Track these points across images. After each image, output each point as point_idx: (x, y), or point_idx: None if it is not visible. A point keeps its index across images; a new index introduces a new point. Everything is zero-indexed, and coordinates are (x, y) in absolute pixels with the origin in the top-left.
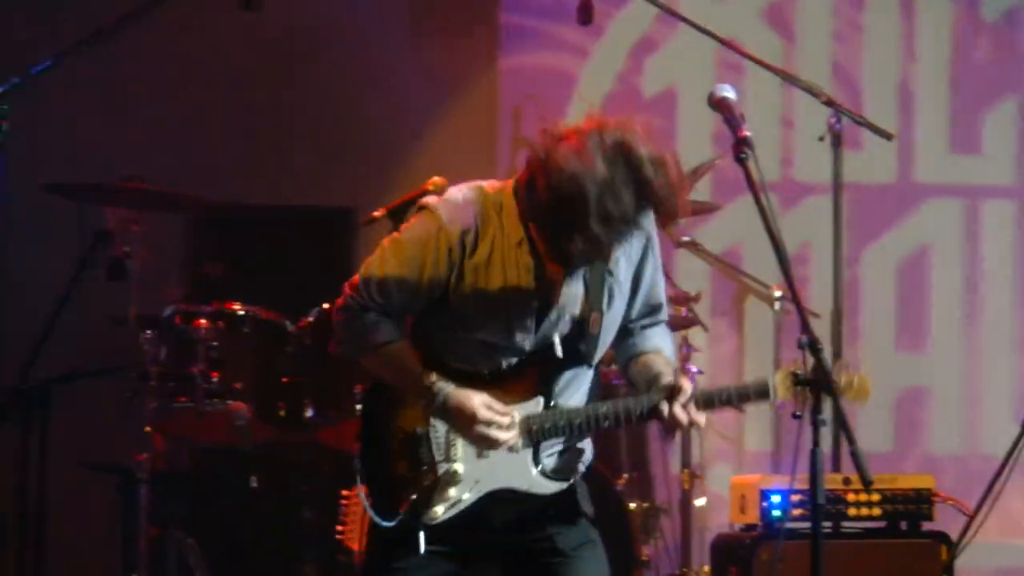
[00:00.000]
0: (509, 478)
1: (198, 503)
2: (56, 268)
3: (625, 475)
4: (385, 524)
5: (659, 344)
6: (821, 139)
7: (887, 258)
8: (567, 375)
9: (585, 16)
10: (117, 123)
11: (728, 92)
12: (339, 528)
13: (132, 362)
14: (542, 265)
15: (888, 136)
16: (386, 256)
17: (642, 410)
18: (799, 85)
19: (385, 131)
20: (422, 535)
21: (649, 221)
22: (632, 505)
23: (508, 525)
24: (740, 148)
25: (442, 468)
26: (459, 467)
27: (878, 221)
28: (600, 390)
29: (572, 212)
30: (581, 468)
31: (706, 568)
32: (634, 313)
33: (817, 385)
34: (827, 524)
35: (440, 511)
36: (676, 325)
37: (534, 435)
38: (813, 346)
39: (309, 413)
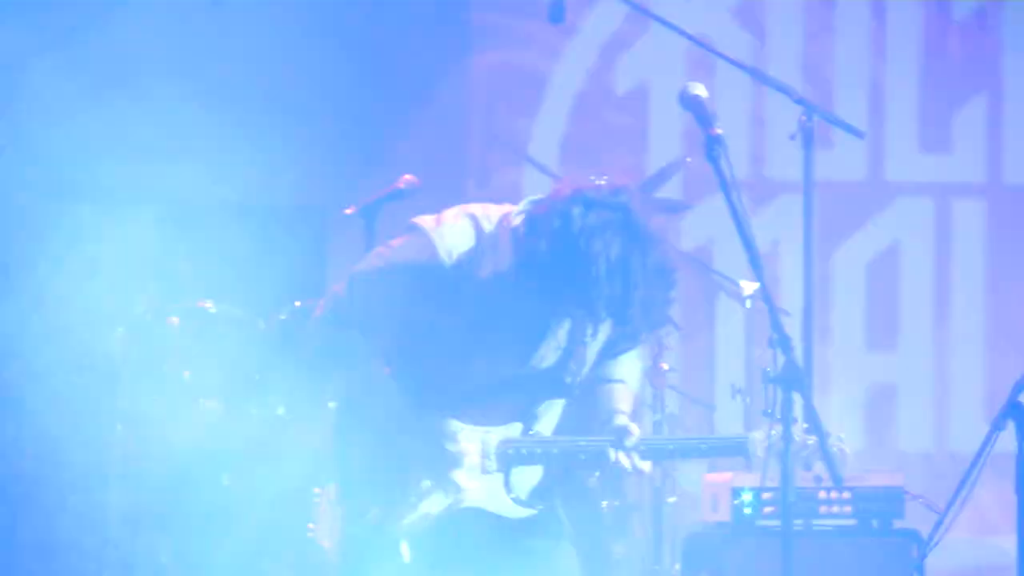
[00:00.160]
0: (480, 499)
1: (170, 501)
2: (31, 265)
3: (596, 472)
4: (354, 524)
5: (626, 374)
6: (792, 137)
7: (858, 256)
8: (547, 404)
9: (557, 14)
10: (94, 120)
11: (700, 90)
12: (311, 526)
13: (104, 359)
14: (533, 296)
15: (859, 134)
16: (373, 267)
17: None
18: (770, 83)
19: (357, 128)
20: (405, 545)
21: None
22: (603, 503)
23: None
24: (711, 146)
25: (415, 478)
26: (430, 480)
27: (849, 219)
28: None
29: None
30: (553, 500)
31: (677, 566)
32: (611, 341)
33: (788, 383)
34: (798, 522)
35: (408, 520)
36: None
37: (508, 461)
38: (784, 344)
39: (281, 411)
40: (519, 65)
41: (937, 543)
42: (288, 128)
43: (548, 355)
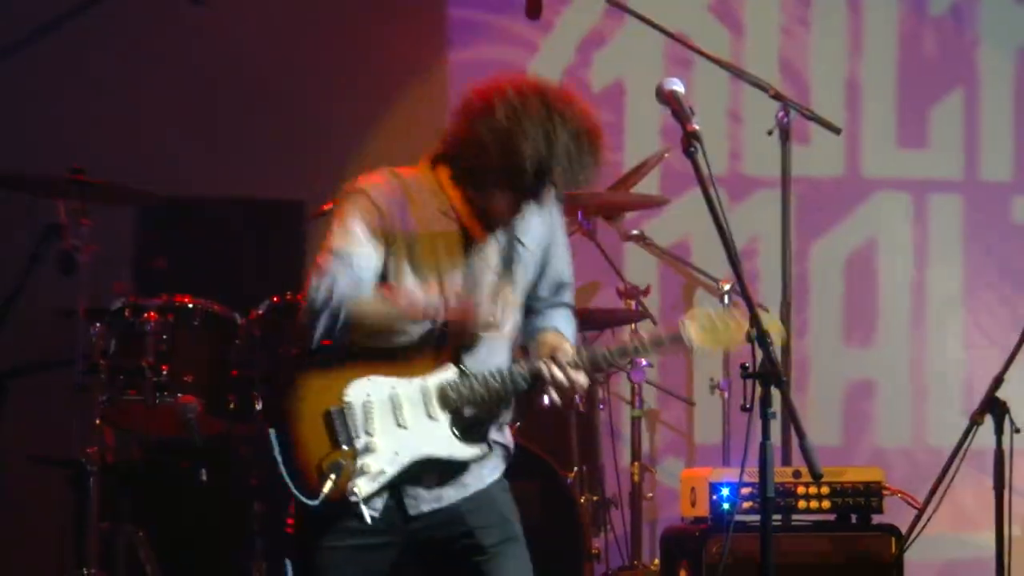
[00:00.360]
0: (428, 446)
1: (148, 496)
2: (4, 261)
3: (575, 468)
4: (312, 503)
5: (559, 325)
6: (769, 133)
7: (835, 252)
8: (477, 342)
9: (533, 10)
10: (67, 116)
11: (676, 86)
12: (289, 521)
13: (81, 355)
14: (465, 235)
15: (836, 130)
16: (330, 238)
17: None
18: (747, 79)
19: (334, 124)
20: (364, 508)
21: (555, 201)
22: (582, 498)
23: (433, 518)
24: (689, 142)
25: (361, 443)
26: (377, 440)
27: (826, 215)
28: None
29: (501, 165)
30: (499, 436)
31: (656, 561)
32: (541, 290)
33: (766, 379)
34: (777, 517)
35: (363, 485)
36: (626, 319)
37: (451, 402)
38: (762, 339)
39: (259, 406)
40: (496, 61)
41: (916, 538)
42: (265, 123)
43: (479, 292)
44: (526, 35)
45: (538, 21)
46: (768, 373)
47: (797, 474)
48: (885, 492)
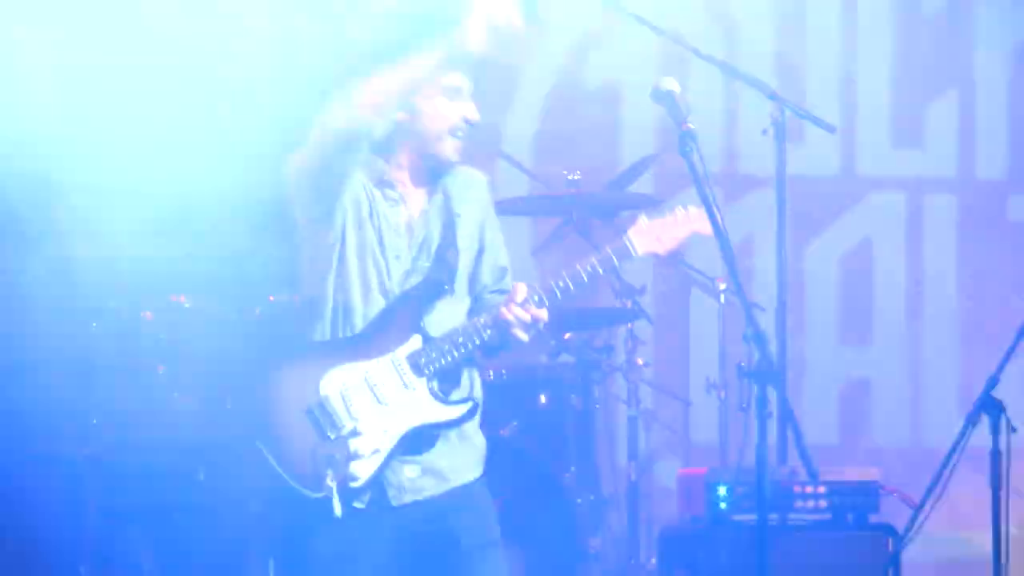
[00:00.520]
0: (414, 415)
1: (146, 496)
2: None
3: (572, 467)
4: (317, 495)
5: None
6: (765, 132)
7: (830, 251)
8: (436, 308)
9: (530, 10)
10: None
11: (672, 85)
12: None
13: (81, 353)
14: (405, 203)
15: (831, 129)
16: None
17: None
18: (742, 78)
19: None
20: (349, 498)
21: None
22: (579, 498)
23: (416, 512)
24: (684, 141)
25: (348, 428)
26: (363, 422)
27: (822, 214)
28: None
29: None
30: (480, 390)
31: (653, 560)
32: (484, 275)
33: (762, 378)
34: (773, 516)
35: (361, 468)
36: (621, 318)
37: (424, 368)
38: (759, 339)
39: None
40: (490, 61)
41: (912, 537)
42: (263, 124)
43: (424, 259)
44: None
45: (533, 21)
46: (764, 373)
47: (794, 473)
48: (881, 491)
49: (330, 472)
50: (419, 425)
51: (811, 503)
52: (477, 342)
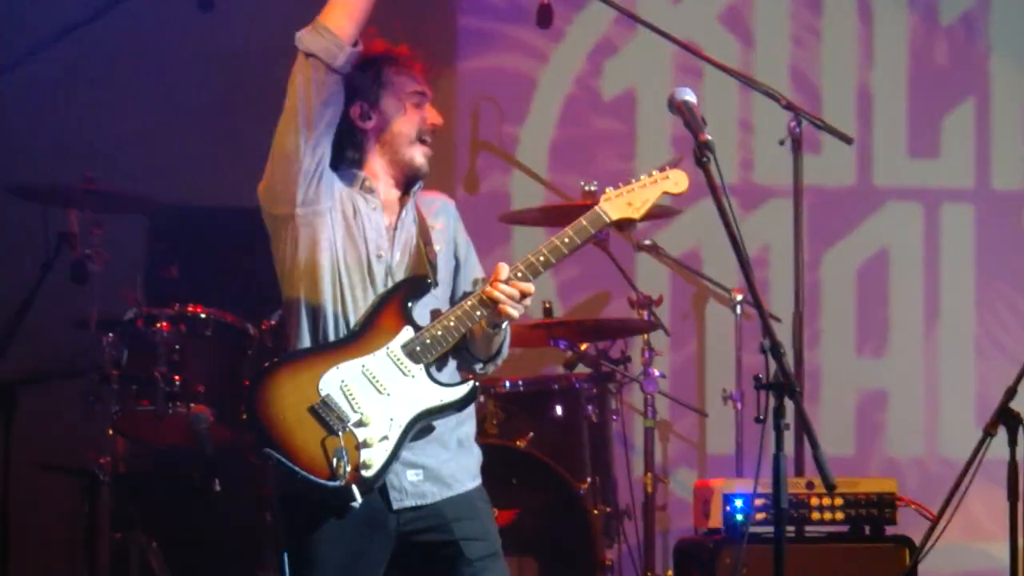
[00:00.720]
0: (418, 401)
1: (160, 506)
2: (18, 270)
3: (588, 479)
4: (335, 484)
5: None
6: (781, 143)
7: (847, 261)
8: (422, 303)
9: (544, 19)
10: (78, 125)
11: (688, 95)
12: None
13: (93, 365)
14: (384, 209)
15: (848, 140)
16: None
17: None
18: (758, 89)
19: None
20: (355, 489)
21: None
22: (595, 509)
23: (418, 518)
24: (701, 152)
25: (353, 420)
26: (368, 413)
27: (838, 224)
28: None
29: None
30: (477, 367)
31: (669, 572)
32: (464, 284)
33: (779, 389)
34: (790, 528)
35: (373, 456)
36: (637, 329)
37: (419, 356)
38: (775, 350)
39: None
40: (505, 70)
41: (929, 549)
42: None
43: (405, 257)
44: (536, 44)
45: (548, 30)
46: (781, 384)
47: (810, 485)
48: (898, 503)
49: (343, 462)
50: (425, 410)
51: (828, 515)
52: (470, 324)
